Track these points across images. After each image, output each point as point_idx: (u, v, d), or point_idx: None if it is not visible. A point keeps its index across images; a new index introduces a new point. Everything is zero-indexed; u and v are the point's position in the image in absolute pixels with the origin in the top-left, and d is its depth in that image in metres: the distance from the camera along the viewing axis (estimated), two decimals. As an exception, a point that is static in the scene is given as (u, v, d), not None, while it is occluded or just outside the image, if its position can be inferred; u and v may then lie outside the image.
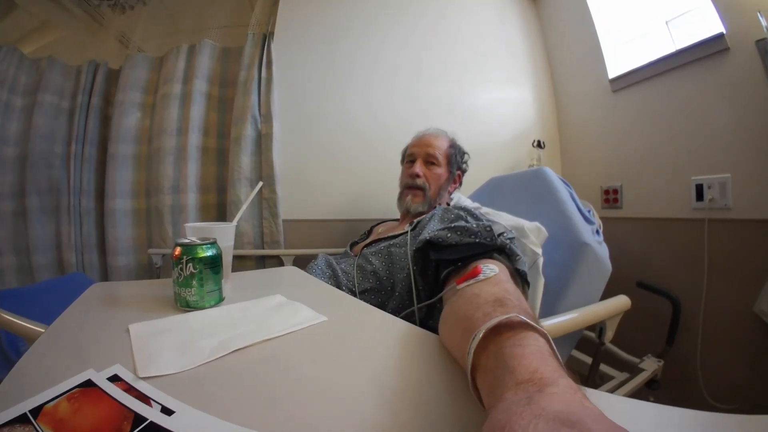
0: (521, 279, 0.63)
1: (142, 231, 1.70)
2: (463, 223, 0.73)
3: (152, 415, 0.29)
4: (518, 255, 0.65)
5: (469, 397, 0.32)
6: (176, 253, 0.61)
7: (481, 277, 0.51)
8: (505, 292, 0.45)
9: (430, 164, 1.27)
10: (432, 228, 0.79)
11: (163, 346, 0.44)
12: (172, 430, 0.28)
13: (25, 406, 0.29)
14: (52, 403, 0.30)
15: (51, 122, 1.69)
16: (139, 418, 0.29)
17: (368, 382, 0.37)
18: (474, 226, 0.70)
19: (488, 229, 0.68)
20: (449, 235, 0.69)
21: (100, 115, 1.77)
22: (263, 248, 1.69)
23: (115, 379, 0.34)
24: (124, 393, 0.32)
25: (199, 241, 0.62)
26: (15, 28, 1.80)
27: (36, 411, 0.29)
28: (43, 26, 1.88)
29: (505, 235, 0.70)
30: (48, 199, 1.67)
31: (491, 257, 0.63)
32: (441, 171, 1.27)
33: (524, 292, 0.62)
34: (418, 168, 1.26)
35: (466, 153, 1.36)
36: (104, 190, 1.68)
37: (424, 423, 0.30)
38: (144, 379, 0.36)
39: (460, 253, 0.65)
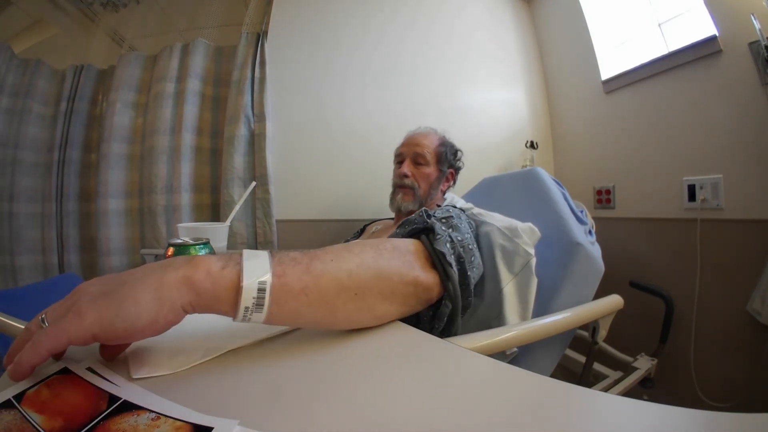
0: (438, 258, 0.60)
1: (135, 231, 1.69)
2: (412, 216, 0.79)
3: (125, 393, 0.32)
4: (438, 234, 0.64)
5: (459, 388, 0.31)
6: (169, 253, 0.60)
7: None
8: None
9: (419, 164, 1.26)
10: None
11: (156, 346, 0.44)
12: (143, 405, 0.30)
13: (7, 394, 0.30)
14: (33, 389, 0.31)
15: (35, 129, 1.68)
16: (113, 398, 0.31)
17: (366, 378, 0.37)
18: (415, 217, 0.76)
19: (421, 214, 0.75)
20: (397, 231, 0.75)
21: (86, 117, 1.76)
22: (257, 248, 1.67)
23: (89, 369, 0.37)
24: (99, 377, 0.35)
25: (192, 242, 0.62)
26: (8, 26, 1.79)
27: (19, 397, 0.30)
28: (36, 24, 1.87)
29: (437, 215, 0.77)
30: (32, 204, 1.66)
31: (417, 237, 0.64)
32: (430, 170, 1.26)
33: (445, 271, 0.58)
34: (406, 168, 1.26)
35: (459, 150, 1.35)
36: (90, 192, 1.67)
37: (418, 415, 0.30)
38: (137, 380, 0.36)
39: None
